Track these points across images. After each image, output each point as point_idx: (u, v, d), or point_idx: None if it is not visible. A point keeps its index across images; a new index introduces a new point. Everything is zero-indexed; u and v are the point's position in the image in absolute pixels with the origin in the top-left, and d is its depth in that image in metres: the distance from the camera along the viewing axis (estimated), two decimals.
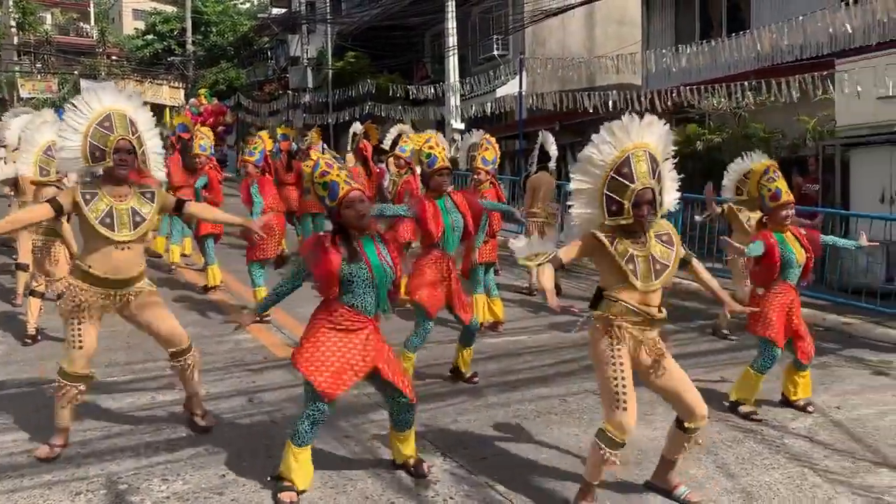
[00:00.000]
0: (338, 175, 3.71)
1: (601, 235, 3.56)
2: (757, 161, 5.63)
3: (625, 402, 3.47)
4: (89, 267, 4.13)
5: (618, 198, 3.51)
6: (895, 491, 3.97)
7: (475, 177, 7.31)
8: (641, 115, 3.64)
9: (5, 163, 8.14)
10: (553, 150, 9.52)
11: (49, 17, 43.74)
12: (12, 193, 7.94)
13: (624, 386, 3.48)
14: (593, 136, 3.64)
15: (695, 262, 3.84)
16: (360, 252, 3.68)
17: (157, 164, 4.45)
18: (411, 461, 4.03)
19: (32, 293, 6.75)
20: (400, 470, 4.04)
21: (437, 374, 5.80)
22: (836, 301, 8.25)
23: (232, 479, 3.92)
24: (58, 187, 6.54)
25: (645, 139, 3.56)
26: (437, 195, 5.39)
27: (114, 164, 4.12)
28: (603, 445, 3.48)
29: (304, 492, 3.69)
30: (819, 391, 5.59)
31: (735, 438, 4.65)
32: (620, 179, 3.49)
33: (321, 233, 3.83)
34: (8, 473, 3.98)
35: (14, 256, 11.67)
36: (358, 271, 3.67)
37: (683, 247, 3.74)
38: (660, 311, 3.60)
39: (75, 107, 4.17)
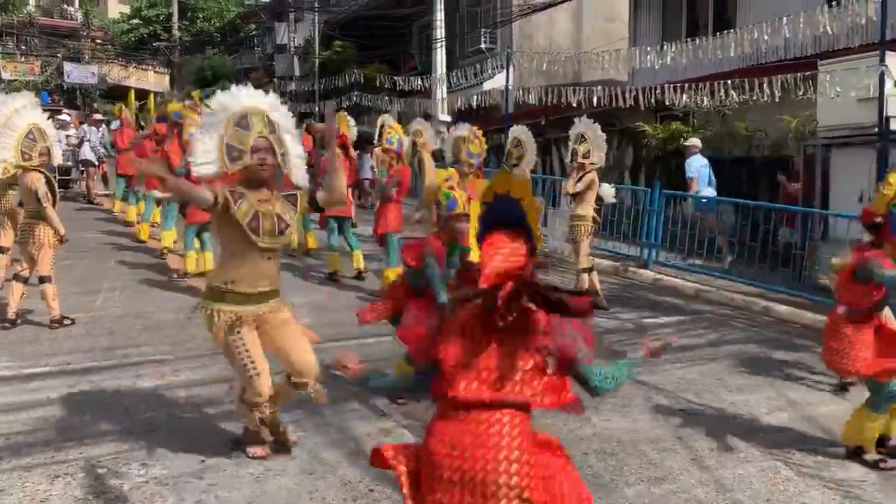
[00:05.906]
0: (458, 194, 4.42)
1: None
2: None
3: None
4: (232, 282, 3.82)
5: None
6: (865, 485, 4.06)
7: (462, 169, 7.30)
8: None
9: None
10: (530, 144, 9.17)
11: None
12: None
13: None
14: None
15: None
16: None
17: (297, 168, 3.99)
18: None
19: (16, 277, 6.69)
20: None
21: None
22: (814, 299, 8.36)
23: (211, 465, 3.94)
24: (41, 171, 6.49)
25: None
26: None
27: (254, 164, 3.76)
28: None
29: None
30: (793, 387, 5.69)
31: (709, 431, 4.72)
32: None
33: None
34: None
35: None
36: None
37: None
38: None
39: (208, 107, 3.91)
